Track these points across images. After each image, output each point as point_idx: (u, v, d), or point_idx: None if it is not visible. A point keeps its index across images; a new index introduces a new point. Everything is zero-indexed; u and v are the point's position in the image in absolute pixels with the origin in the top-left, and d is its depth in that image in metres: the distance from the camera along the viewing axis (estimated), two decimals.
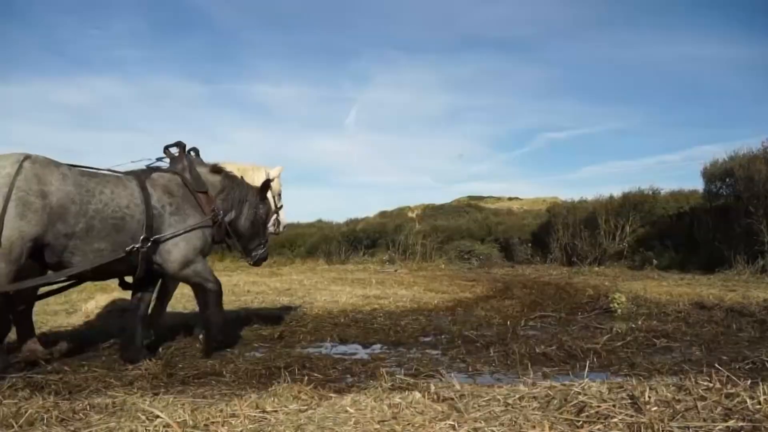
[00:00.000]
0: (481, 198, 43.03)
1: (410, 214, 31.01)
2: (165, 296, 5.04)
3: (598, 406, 2.44)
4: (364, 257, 21.75)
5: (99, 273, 3.96)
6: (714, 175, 14.00)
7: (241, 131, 69.27)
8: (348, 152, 74.23)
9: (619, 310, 6.52)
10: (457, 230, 22.80)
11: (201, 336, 4.64)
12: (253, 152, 73.18)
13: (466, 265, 19.01)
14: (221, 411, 2.58)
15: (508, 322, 6.00)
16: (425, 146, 75.77)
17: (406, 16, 68.60)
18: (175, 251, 4.04)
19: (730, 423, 2.20)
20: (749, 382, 2.64)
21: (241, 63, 68.87)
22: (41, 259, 3.63)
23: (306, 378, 3.47)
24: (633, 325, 5.48)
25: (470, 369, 3.93)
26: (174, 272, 4.15)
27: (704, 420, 2.25)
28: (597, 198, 18.73)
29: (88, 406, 2.80)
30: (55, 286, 4.26)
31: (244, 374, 3.73)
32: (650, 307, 6.77)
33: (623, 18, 60.57)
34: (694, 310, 6.41)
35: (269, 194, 5.01)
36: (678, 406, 2.39)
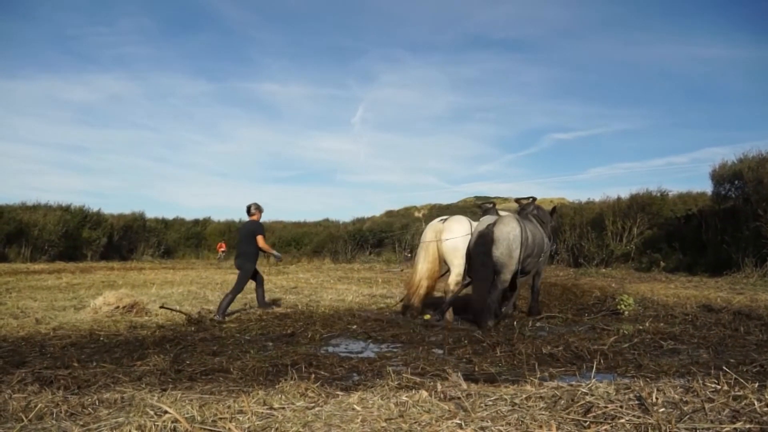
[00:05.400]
0: (487, 198, 42.99)
1: (417, 214, 31.02)
2: (515, 291, 6.97)
3: (606, 407, 2.44)
4: (371, 256, 21.76)
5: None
6: (723, 177, 13.85)
7: (247, 129, 69.64)
8: (354, 151, 74.46)
9: (626, 312, 6.50)
10: None
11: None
12: (259, 150, 73.36)
13: None
14: (229, 407, 2.60)
15: (515, 323, 6.00)
16: (431, 146, 75.87)
17: (412, 16, 68.72)
18: (543, 261, 6.92)
19: (738, 425, 2.19)
20: (757, 384, 2.63)
21: (247, 61, 69.27)
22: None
23: (313, 376, 3.49)
24: (640, 327, 5.46)
25: (477, 369, 3.93)
26: (540, 271, 7.01)
27: (712, 422, 2.24)
28: (604, 199, 18.67)
29: (96, 401, 2.83)
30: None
31: (252, 371, 3.76)
32: (657, 309, 6.75)
33: (631, 19, 60.39)
34: (702, 312, 6.39)
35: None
36: (685, 408, 2.39)
